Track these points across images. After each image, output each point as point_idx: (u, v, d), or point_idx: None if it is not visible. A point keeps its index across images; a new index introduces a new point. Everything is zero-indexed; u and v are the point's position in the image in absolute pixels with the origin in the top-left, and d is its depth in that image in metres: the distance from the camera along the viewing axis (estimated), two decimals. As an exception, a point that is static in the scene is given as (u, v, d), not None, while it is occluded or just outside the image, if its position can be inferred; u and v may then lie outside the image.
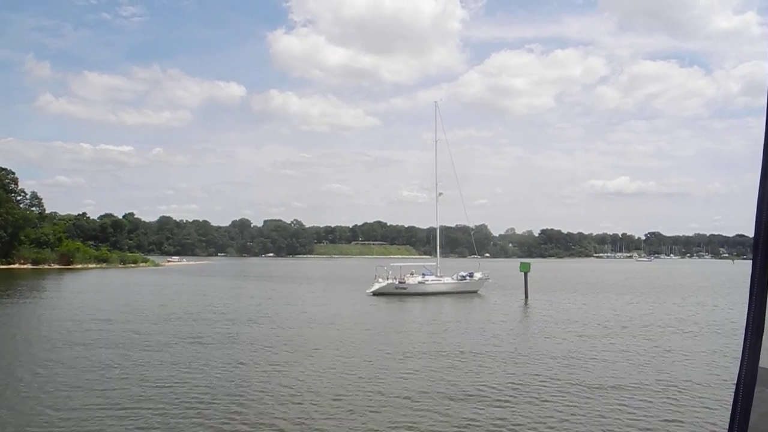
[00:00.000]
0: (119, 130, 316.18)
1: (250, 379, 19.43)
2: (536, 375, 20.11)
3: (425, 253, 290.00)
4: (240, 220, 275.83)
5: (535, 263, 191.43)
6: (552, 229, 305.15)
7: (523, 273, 50.17)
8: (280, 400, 16.72)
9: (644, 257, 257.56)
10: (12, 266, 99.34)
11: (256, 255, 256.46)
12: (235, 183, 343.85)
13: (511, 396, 17.32)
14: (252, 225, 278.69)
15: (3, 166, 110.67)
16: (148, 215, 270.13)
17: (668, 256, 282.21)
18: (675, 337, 29.27)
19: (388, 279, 52.72)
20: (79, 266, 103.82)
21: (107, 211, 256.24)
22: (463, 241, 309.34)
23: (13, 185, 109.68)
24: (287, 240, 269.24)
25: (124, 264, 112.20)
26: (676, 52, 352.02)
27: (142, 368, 20.57)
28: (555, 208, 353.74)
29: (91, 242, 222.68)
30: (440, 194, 56.80)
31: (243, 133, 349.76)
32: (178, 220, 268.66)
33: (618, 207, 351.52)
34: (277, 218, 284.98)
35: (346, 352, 24.69)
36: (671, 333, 30.51)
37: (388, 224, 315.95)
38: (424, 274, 54.60)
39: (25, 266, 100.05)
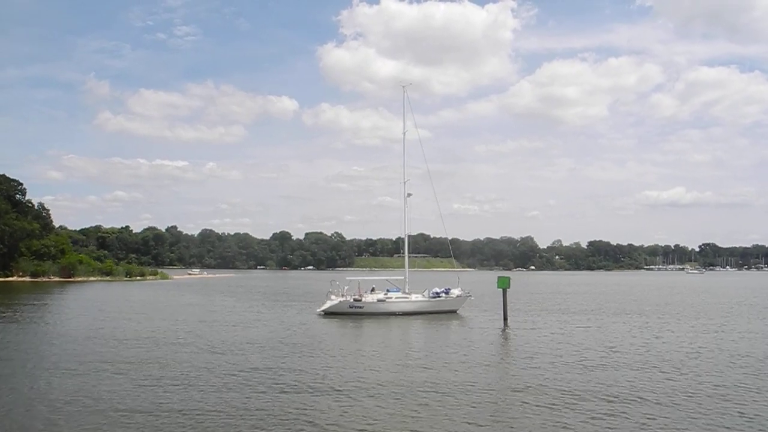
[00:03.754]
0: (175, 146, 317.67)
1: None
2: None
3: (469, 266, 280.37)
4: (280, 232, 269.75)
5: (579, 276, 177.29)
6: (600, 241, 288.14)
7: (502, 290, 39.09)
8: None
9: (696, 269, 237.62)
10: (10, 279, 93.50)
11: (296, 268, 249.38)
12: (288, 197, 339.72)
13: None
14: (293, 238, 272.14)
15: (13, 178, 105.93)
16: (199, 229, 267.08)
17: (723, 268, 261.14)
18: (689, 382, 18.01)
19: (343, 296, 42.40)
20: (81, 279, 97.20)
21: (168, 225, 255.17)
22: (507, 254, 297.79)
23: (19, 196, 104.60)
24: (327, 253, 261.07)
25: (129, 277, 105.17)
26: (736, 57, 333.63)
27: None
28: (607, 220, 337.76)
29: (133, 255, 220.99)
30: (409, 195, 46.14)
31: (295, 147, 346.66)
32: (219, 233, 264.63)
33: (673, 218, 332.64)
34: (319, 231, 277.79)
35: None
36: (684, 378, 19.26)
37: (432, 236, 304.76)
38: (388, 290, 44.01)
39: (24, 279, 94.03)
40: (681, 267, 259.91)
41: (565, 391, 18.05)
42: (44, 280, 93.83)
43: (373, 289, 43.79)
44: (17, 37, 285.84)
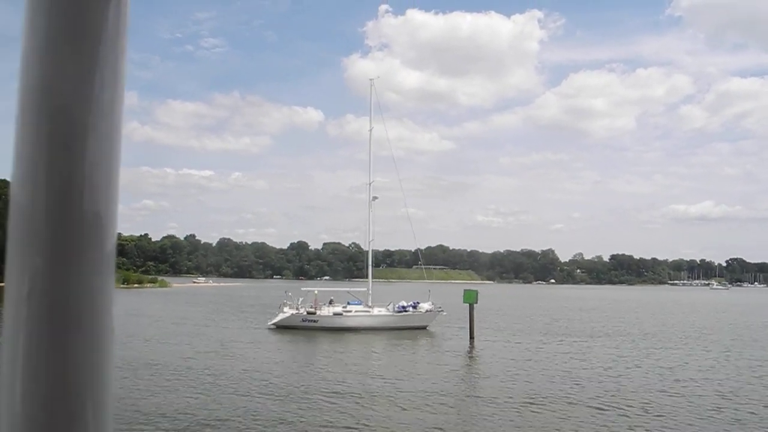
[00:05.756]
0: (201, 155, 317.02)
1: None
2: None
3: (488, 278, 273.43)
4: (298, 242, 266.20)
5: (596, 290, 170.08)
6: (623, 255, 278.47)
7: (468, 305, 34.01)
8: None
9: (722, 285, 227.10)
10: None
11: (312, 278, 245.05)
12: (312, 207, 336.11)
13: None
14: (311, 248, 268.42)
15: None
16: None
17: (752, 284, 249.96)
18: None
19: (299, 308, 37.63)
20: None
21: (190, 233, 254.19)
22: (527, 266, 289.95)
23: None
24: (344, 263, 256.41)
25: (126, 284, 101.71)
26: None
27: None
28: (632, 234, 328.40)
29: (151, 263, 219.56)
30: (375, 198, 41.47)
31: (319, 158, 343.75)
32: (237, 242, 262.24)
33: (700, 232, 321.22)
34: (337, 241, 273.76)
35: None
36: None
37: (451, 248, 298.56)
38: (348, 303, 39.10)
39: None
40: (707, 282, 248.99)
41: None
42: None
43: (331, 301, 38.97)
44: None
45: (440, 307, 39.73)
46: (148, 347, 28.38)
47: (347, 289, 44.46)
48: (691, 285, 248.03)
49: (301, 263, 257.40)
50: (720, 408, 17.64)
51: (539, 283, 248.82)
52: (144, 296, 77.18)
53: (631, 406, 17.58)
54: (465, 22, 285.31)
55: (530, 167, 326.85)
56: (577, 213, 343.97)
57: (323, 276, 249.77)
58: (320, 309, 37.42)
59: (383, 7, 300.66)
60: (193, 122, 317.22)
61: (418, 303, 39.59)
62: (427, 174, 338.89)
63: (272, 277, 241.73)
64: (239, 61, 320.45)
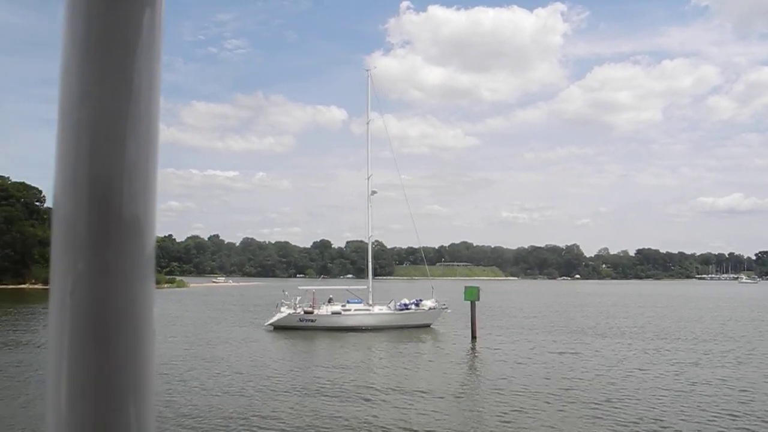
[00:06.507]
0: (226, 156, 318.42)
1: None
2: None
3: (512, 275, 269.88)
4: (321, 241, 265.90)
5: (624, 285, 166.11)
6: (649, 249, 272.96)
7: (470, 302, 32.27)
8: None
9: (750, 279, 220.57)
10: (23, 286, 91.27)
11: (335, 276, 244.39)
12: (336, 206, 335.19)
13: None
14: (334, 246, 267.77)
15: (33, 186, 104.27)
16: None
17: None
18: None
19: (296, 307, 36.22)
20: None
21: (214, 233, 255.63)
22: (552, 262, 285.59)
23: (37, 203, 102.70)
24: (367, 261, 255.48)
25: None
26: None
27: None
28: (659, 228, 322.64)
29: (175, 263, 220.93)
30: (374, 192, 39.94)
31: (343, 157, 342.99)
32: (261, 241, 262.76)
33: (729, 225, 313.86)
34: (360, 240, 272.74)
35: None
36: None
37: (475, 245, 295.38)
38: (348, 301, 37.56)
39: (36, 286, 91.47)
40: (735, 276, 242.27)
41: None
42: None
43: (330, 300, 37.48)
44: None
45: (444, 305, 38.01)
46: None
47: (347, 287, 42.93)
48: (719, 279, 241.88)
49: (324, 262, 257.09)
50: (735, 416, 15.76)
51: (564, 279, 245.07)
52: (156, 297, 76.44)
53: (626, 410, 15.81)
54: (487, 17, 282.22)
55: (555, 162, 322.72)
56: (603, 207, 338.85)
57: (346, 274, 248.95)
58: (318, 308, 36.00)
59: (405, 3, 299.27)
60: (218, 123, 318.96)
61: (420, 300, 37.93)
62: (451, 170, 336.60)
63: (295, 276, 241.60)
64: (261, 62, 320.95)
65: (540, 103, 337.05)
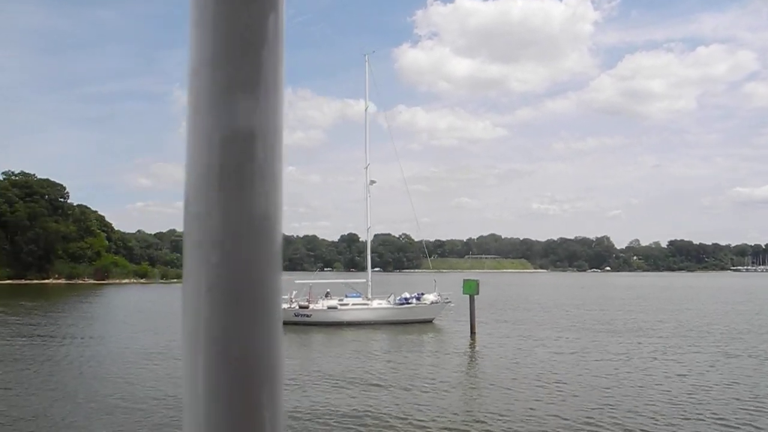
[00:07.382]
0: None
1: None
2: None
3: (541, 267, 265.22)
4: (348, 234, 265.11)
5: (655, 277, 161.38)
6: (681, 240, 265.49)
7: (469, 296, 30.31)
8: None
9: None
10: (46, 281, 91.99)
11: (363, 270, 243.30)
12: (365, 200, 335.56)
13: None
14: (361, 240, 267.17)
15: (57, 182, 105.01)
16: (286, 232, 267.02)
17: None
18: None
19: (291, 302, 34.70)
20: (116, 281, 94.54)
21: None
22: (582, 254, 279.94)
23: (61, 200, 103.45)
24: (394, 254, 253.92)
25: (165, 279, 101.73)
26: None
27: None
28: (693, 219, 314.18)
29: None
30: (372, 182, 38.18)
31: (372, 150, 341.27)
32: (288, 235, 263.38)
33: (767, 216, 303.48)
34: (387, 233, 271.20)
35: None
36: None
37: (503, 237, 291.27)
38: (346, 296, 35.91)
39: (59, 281, 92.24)
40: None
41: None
42: (79, 282, 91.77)
43: (327, 294, 35.90)
44: (113, 54, 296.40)
45: (447, 298, 36.07)
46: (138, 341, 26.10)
47: (345, 280, 41.34)
48: (755, 271, 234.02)
49: (351, 255, 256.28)
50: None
51: (594, 271, 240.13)
52: (173, 290, 76.33)
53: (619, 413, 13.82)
54: (516, 6, 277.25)
55: (586, 153, 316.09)
56: (635, 199, 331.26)
57: (374, 268, 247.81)
58: (315, 302, 34.43)
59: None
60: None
61: (422, 294, 36.08)
62: (480, 162, 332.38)
63: (323, 269, 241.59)
64: (289, 57, 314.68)
65: (570, 93, 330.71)
